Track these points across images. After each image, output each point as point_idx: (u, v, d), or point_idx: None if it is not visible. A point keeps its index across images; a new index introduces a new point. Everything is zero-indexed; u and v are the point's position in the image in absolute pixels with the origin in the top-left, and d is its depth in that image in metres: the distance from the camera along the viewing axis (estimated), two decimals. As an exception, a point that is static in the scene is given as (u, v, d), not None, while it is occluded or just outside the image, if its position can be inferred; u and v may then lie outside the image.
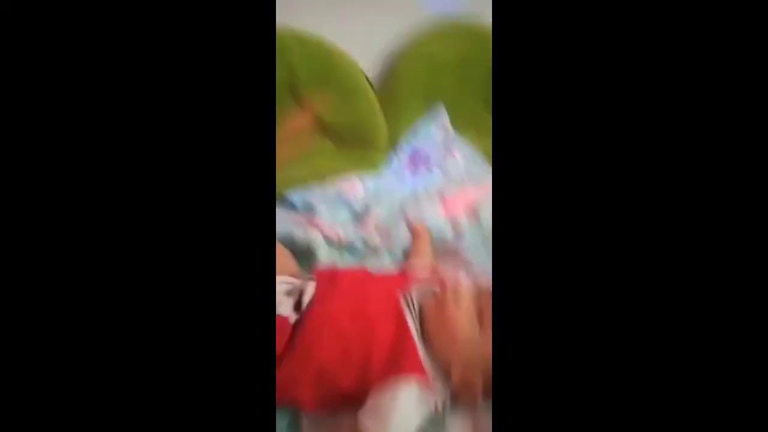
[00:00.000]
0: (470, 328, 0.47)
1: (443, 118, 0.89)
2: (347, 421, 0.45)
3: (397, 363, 0.46)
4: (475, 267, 0.62)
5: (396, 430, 0.43)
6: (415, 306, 0.51)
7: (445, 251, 0.67)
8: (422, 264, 0.63)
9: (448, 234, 0.70)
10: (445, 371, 0.47)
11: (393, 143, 0.91)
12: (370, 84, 0.89)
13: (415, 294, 0.52)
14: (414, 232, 0.69)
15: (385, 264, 0.67)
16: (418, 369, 0.46)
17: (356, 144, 0.88)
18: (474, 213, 0.73)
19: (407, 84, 0.93)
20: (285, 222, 0.69)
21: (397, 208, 0.74)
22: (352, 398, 0.45)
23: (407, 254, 0.68)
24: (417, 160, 0.85)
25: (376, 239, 0.69)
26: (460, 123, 1.02)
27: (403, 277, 0.58)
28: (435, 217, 0.72)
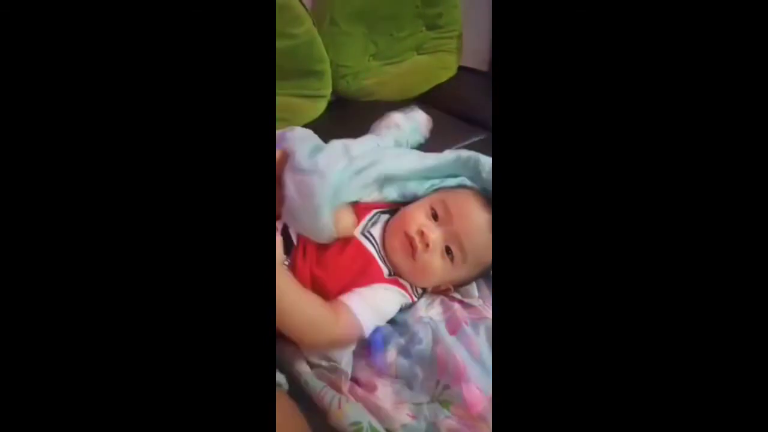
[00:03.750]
0: (442, 265, 0.53)
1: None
2: None
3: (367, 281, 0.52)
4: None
5: (372, 306, 0.50)
6: (375, 233, 0.56)
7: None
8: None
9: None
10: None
11: (334, 71, 0.93)
12: (305, 7, 0.88)
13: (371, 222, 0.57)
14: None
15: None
16: (394, 284, 0.53)
17: (296, 73, 0.89)
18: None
19: (342, 5, 0.92)
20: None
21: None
22: None
23: None
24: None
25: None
26: (400, 42, 1.05)
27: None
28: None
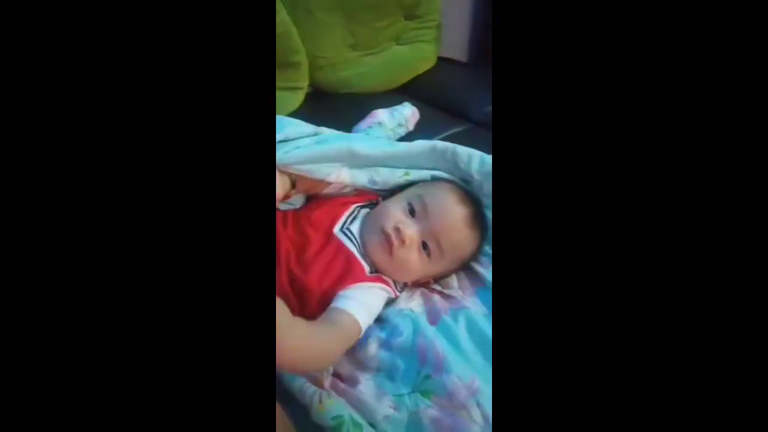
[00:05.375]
0: (419, 260, 0.53)
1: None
2: None
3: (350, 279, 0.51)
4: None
5: (365, 306, 0.49)
6: (355, 230, 0.55)
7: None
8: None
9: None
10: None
11: (311, 62, 0.93)
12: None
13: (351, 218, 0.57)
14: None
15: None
16: (377, 280, 0.53)
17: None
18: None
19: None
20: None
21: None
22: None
23: None
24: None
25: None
26: (379, 32, 1.04)
27: (331, 206, 0.58)
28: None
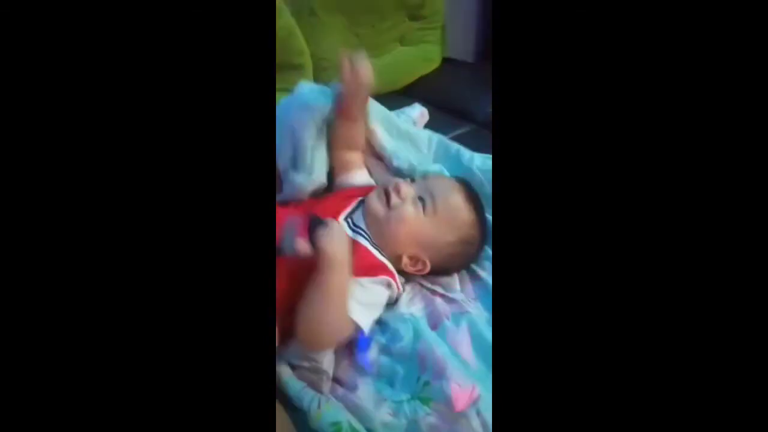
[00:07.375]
0: (414, 212, 0.56)
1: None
2: None
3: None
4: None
5: (367, 303, 0.50)
6: (359, 222, 0.58)
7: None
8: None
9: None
10: (396, 260, 0.56)
11: (316, 64, 0.95)
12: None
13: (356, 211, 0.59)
14: None
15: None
16: (382, 271, 0.54)
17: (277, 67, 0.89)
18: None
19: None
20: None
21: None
22: None
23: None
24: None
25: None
26: (383, 34, 1.05)
27: (337, 199, 0.61)
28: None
